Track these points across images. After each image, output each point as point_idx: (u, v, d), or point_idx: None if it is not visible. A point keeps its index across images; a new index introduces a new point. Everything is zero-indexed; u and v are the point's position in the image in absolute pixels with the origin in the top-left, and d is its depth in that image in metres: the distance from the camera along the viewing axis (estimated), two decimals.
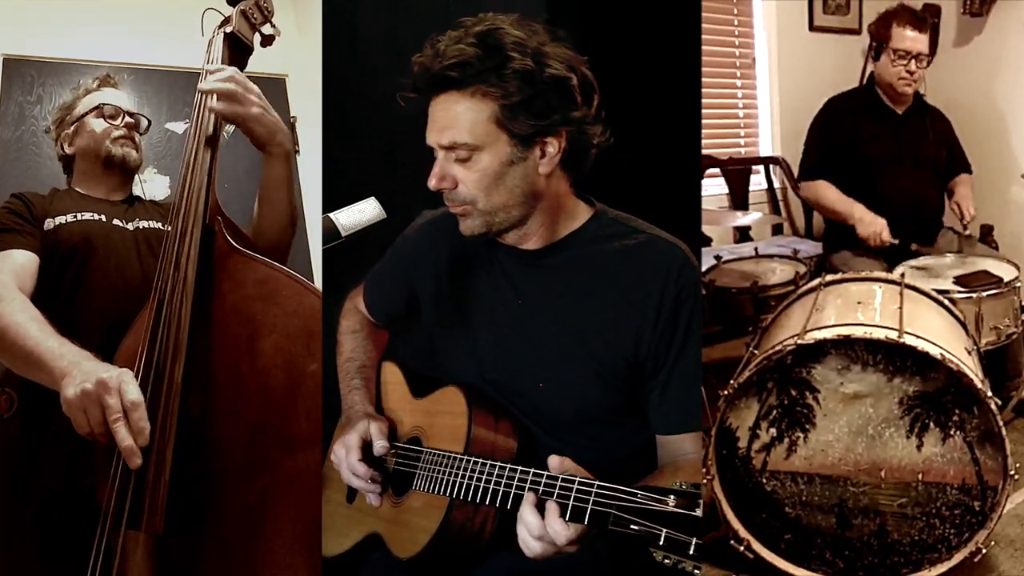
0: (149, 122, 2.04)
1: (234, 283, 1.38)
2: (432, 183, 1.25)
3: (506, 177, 1.24)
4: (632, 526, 0.97)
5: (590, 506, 1.02)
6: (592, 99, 1.26)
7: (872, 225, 2.63)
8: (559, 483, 1.07)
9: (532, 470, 1.11)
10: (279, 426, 1.28)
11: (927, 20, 2.75)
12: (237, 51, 1.76)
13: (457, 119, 1.21)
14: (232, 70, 1.62)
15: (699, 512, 0.95)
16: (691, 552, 0.93)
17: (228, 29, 1.74)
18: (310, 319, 1.33)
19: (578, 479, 1.05)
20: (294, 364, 1.30)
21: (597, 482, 1.03)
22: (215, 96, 1.57)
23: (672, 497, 0.97)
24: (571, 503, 1.04)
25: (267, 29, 1.83)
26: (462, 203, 1.26)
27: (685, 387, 1.26)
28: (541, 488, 1.08)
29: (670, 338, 1.25)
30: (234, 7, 1.77)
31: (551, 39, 1.23)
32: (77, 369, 1.23)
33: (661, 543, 0.95)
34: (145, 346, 1.28)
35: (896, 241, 2.61)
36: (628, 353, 1.27)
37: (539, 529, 1.05)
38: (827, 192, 2.77)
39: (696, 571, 0.94)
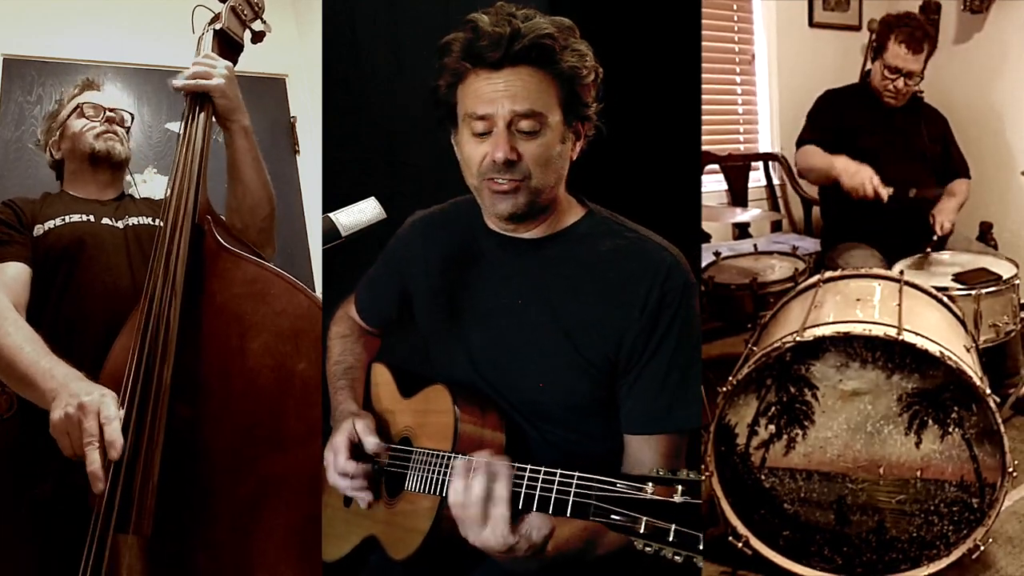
0: (132, 116, 2.03)
1: (223, 282, 1.38)
2: (499, 155, 1.21)
3: (556, 156, 1.26)
4: (612, 515, 0.97)
5: (571, 498, 1.02)
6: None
7: (857, 175, 2.56)
8: (541, 476, 1.06)
9: (516, 464, 1.10)
10: (269, 426, 1.28)
11: (925, 38, 2.71)
12: (227, 48, 1.76)
13: (531, 90, 1.21)
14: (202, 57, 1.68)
15: (677, 499, 0.93)
16: (671, 539, 0.92)
17: (218, 26, 1.74)
18: (299, 318, 1.33)
19: (559, 472, 1.05)
20: (284, 364, 1.29)
21: (577, 473, 1.03)
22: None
23: (650, 484, 0.95)
24: (553, 496, 1.04)
25: (257, 25, 1.82)
26: (519, 177, 1.24)
27: (653, 389, 1.25)
28: (524, 482, 1.07)
29: (647, 339, 1.24)
30: (224, 3, 1.77)
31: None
32: (65, 391, 1.24)
33: (642, 531, 0.94)
34: (136, 347, 1.28)
35: (891, 190, 2.53)
36: (611, 351, 1.26)
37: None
38: (812, 154, 2.74)
39: (677, 558, 0.92)
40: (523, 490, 1.07)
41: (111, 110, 1.95)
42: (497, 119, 1.22)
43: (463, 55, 1.23)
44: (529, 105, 1.21)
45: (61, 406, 1.21)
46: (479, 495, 1.07)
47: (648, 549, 0.93)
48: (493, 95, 1.22)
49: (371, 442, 1.34)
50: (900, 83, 2.71)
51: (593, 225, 1.34)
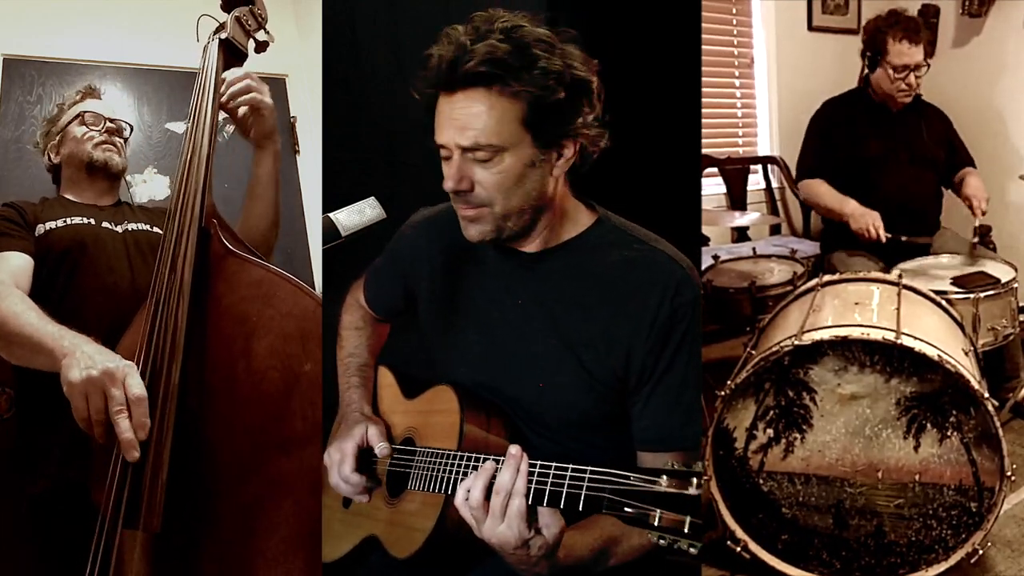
0: (131, 127, 2.06)
1: (229, 285, 1.38)
2: (449, 185, 1.21)
3: (525, 180, 1.22)
4: (626, 508, 0.98)
5: (584, 491, 1.02)
6: (601, 102, 1.25)
7: (864, 217, 2.61)
8: (552, 471, 1.07)
9: (528, 460, 1.10)
10: (274, 427, 1.28)
11: (921, 27, 2.72)
12: (232, 57, 1.76)
13: (481, 118, 1.17)
14: (246, 74, 1.71)
15: (693, 491, 0.95)
16: (686, 531, 0.93)
17: (223, 35, 1.74)
18: (304, 320, 1.33)
19: (571, 467, 1.05)
20: (289, 365, 1.30)
21: (590, 468, 1.03)
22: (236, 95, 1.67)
23: (664, 477, 0.97)
24: (565, 490, 1.04)
25: (261, 35, 1.84)
26: (478, 206, 1.23)
27: (666, 406, 1.23)
28: (535, 478, 1.08)
29: (658, 355, 1.22)
30: (229, 13, 1.78)
31: (564, 40, 1.21)
32: (79, 351, 1.22)
33: (656, 524, 0.95)
34: (143, 347, 1.28)
35: (890, 236, 2.58)
36: (618, 366, 1.25)
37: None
38: (821, 189, 2.76)
39: (692, 549, 0.94)
40: (534, 485, 1.07)
41: (112, 120, 1.97)
42: (451, 148, 1.20)
43: (428, 78, 1.20)
44: (475, 138, 1.18)
45: (81, 367, 1.18)
46: (503, 487, 1.07)
47: (663, 542, 0.95)
48: (447, 123, 1.20)
49: (382, 447, 1.38)
50: (911, 79, 2.71)
51: (602, 235, 1.31)
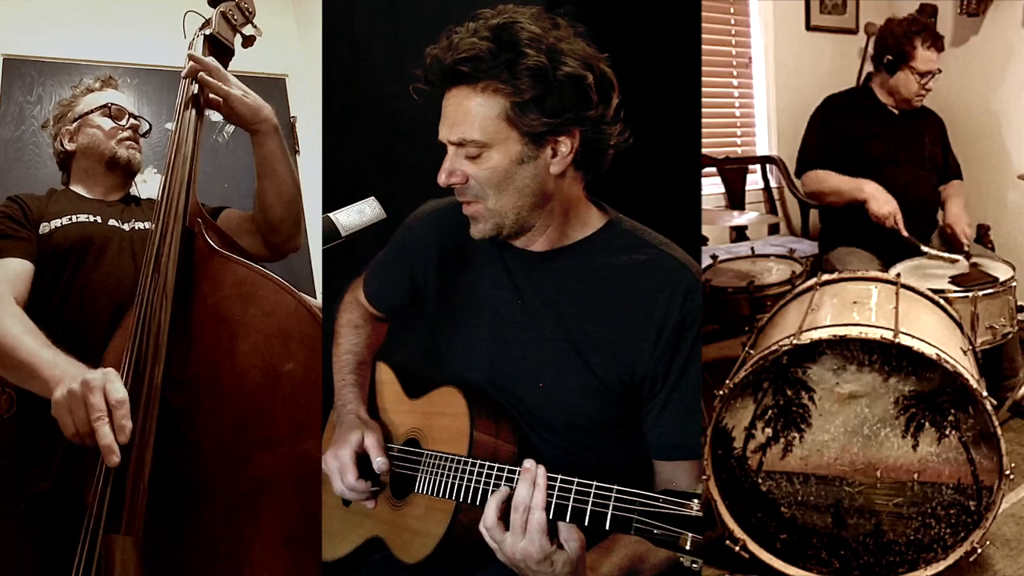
0: (150, 125, 2.04)
1: (213, 284, 1.38)
2: (441, 179, 1.23)
3: (516, 176, 1.22)
4: (655, 531, 0.98)
5: (611, 511, 1.02)
6: (610, 98, 1.23)
7: (887, 204, 2.61)
8: (575, 487, 1.05)
9: (547, 473, 1.09)
10: (258, 426, 1.29)
11: (942, 35, 2.79)
12: (218, 53, 1.75)
13: (467, 115, 1.19)
14: (189, 56, 1.66)
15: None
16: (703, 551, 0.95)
17: (208, 31, 1.73)
18: (286, 319, 1.34)
19: (595, 484, 1.04)
20: (272, 364, 1.30)
21: (616, 487, 1.03)
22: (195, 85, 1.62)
23: (695, 501, 0.97)
24: (589, 508, 1.03)
25: (248, 30, 1.82)
26: (473, 198, 1.24)
27: (682, 413, 1.23)
28: (556, 492, 1.06)
29: (669, 362, 1.22)
30: (215, 8, 1.77)
31: (572, 35, 1.21)
32: (68, 376, 1.23)
33: (688, 547, 0.95)
34: (128, 347, 1.28)
35: (908, 236, 2.57)
36: (625, 371, 1.24)
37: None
38: (829, 177, 2.76)
39: (695, 566, 0.96)
40: (555, 500, 1.06)
41: (135, 116, 1.95)
42: (446, 143, 1.23)
43: (422, 76, 1.23)
44: (461, 133, 1.20)
45: (64, 386, 1.19)
46: (522, 503, 1.06)
47: (695, 565, 0.96)
48: (442, 119, 1.22)
49: (380, 462, 1.34)
50: (931, 84, 2.77)
51: (611, 237, 1.30)
